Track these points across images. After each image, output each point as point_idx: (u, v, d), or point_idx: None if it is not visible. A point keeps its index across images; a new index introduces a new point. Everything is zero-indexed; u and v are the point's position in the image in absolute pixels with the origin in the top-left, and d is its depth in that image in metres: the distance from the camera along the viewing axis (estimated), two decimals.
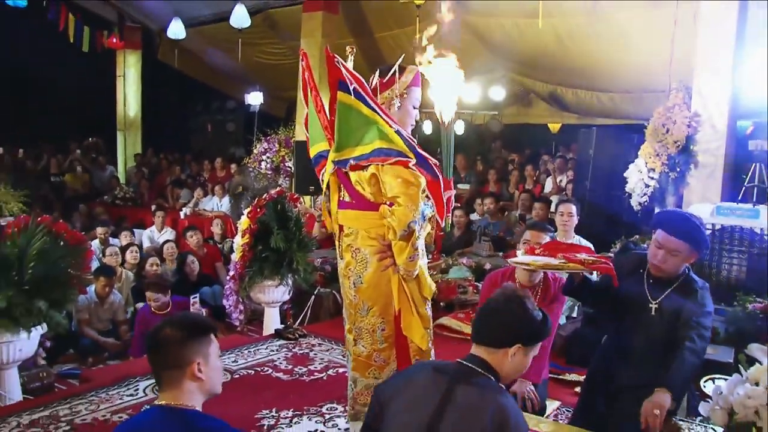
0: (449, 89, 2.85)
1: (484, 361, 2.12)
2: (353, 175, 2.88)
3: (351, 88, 2.76)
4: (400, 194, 2.72)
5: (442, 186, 2.83)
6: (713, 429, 2.46)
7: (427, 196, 2.80)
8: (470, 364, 2.12)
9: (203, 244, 7.85)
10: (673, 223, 2.91)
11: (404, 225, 2.71)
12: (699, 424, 2.54)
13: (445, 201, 2.91)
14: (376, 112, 2.78)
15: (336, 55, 2.82)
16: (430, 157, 2.82)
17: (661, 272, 2.93)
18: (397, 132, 2.77)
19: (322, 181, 3.08)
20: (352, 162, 2.84)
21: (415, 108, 3.04)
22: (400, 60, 2.95)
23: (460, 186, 9.22)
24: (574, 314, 5.19)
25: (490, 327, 2.16)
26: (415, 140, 2.81)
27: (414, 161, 2.75)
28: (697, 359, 2.77)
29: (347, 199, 2.96)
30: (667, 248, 2.87)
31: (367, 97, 2.79)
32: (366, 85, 2.84)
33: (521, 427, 2.00)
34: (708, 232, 5.10)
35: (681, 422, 2.54)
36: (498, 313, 2.16)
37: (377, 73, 2.97)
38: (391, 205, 2.77)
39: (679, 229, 2.86)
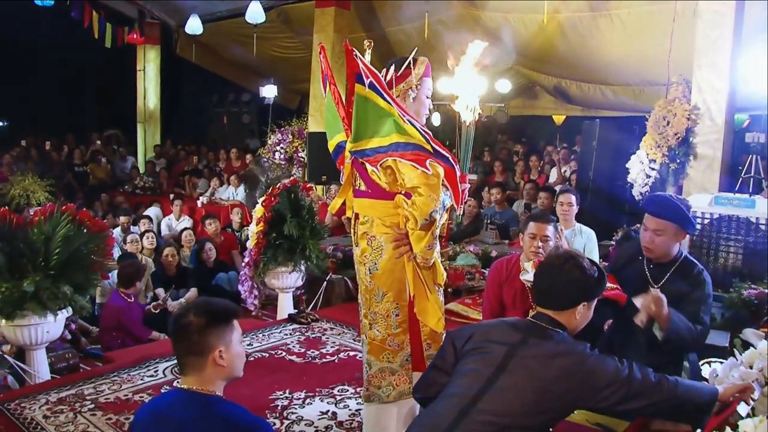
0: (473, 93, 2.96)
1: (553, 319, 2.24)
2: (368, 165, 2.89)
3: (367, 82, 2.76)
4: (420, 185, 2.71)
5: (458, 175, 2.83)
6: None
7: (445, 186, 2.80)
8: (540, 322, 2.25)
9: (220, 232, 7.96)
10: (654, 205, 3.02)
11: (426, 214, 2.71)
12: None
13: (461, 192, 2.92)
14: (391, 105, 2.77)
15: (354, 49, 2.81)
16: (445, 148, 2.82)
17: (652, 253, 3.01)
18: (412, 124, 2.77)
19: (344, 171, 3.10)
20: (369, 154, 2.84)
21: (428, 98, 3.05)
22: (414, 53, 2.98)
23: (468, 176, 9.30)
24: None
25: (554, 293, 2.26)
26: (429, 132, 2.81)
27: (431, 153, 2.74)
28: (695, 335, 2.84)
29: (363, 188, 2.98)
30: (652, 228, 2.97)
31: (382, 91, 2.78)
32: (381, 79, 2.83)
33: (595, 372, 2.08)
34: (706, 221, 5.25)
35: None
36: (559, 279, 2.25)
37: (392, 66, 2.97)
38: (407, 195, 2.77)
39: (660, 208, 2.97)
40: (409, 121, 2.77)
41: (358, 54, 2.80)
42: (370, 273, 2.96)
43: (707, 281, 2.97)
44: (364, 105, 2.80)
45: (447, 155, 2.80)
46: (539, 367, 2.10)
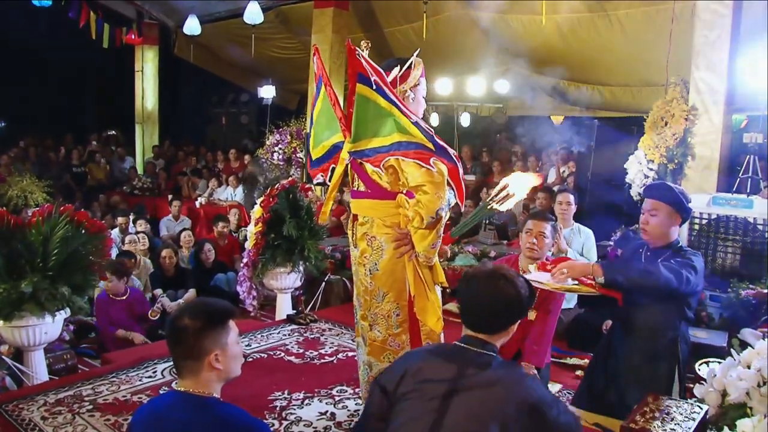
0: (522, 190, 3.11)
1: (485, 342, 2.08)
2: (368, 165, 2.89)
3: (372, 80, 2.75)
4: (425, 183, 2.71)
5: (461, 173, 2.85)
6: (699, 406, 2.60)
7: (449, 184, 2.81)
8: (473, 347, 2.08)
9: (227, 234, 7.98)
10: (652, 188, 3.16)
11: (432, 212, 2.72)
12: (686, 401, 2.68)
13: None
14: (394, 104, 2.77)
15: (357, 48, 2.81)
16: (447, 146, 2.82)
17: (647, 234, 3.07)
18: (415, 123, 2.76)
19: (333, 172, 3.09)
20: (369, 154, 2.85)
21: (424, 97, 3.08)
22: (416, 54, 3.00)
23: (466, 177, 9.33)
24: (571, 305, 5.02)
25: (489, 317, 2.10)
26: (432, 130, 2.82)
27: (434, 151, 2.75)
28: (663, 273, 2.78)
29: (362, 188, 2.98)
30: (647, 209, 3.05)
31: (386, 89, 2.78)
32: (385, 76, 2.84)
33: (536, 392, 1.98)
34: (704, 221, 5.26)
35: (669, 400, 2.68)
36: (493, 301, 2.08)
37: (397, 68, 2.98)
38: (409, 194, 2.78)
39: (656, 190, 3.08)
40: (415, 121, 2.77)
41: (361, 53, 2.80)
42: (370, 274, 2.96)
43: (692, 257, 2.94)
44: (364, 105, 2.80)
45: (450, 153, 2.79)
46: (482, 400, 1.96)
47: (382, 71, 2.82)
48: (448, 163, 2.78)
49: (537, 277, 3.07)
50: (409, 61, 2.99)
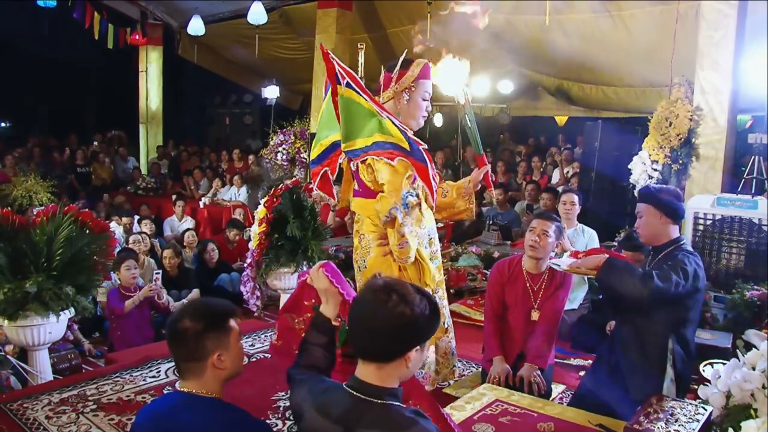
0: (455, 77, 3.08)
1: (377, 386, 1.76)
2: (359, 164, 2.95)
3: (344, 82, 2.81)
4: (386, 182, 2.79)
5: (430, 170, 2.87)
6: (703, 407, 2.60)
7: (414, 183, 2.83)
8: (363, 395, 1.76)
9: (239, 239, 7.97)
10: (641, 192, 3.24)
11: (385, 211, 2.78)
12: (690, 402, 2.67)
13: (481, 177, 3.14)
14: (371, 104, 2.82)
15: (329, 51, 2.87)
16: (419, 142, 2.86)
17: (642, 238, 3.16)
18: (390, 120, 2.81)
19: (323, 176, 3.17)
20: (358, 153, 2.90)
21: (425, 100, 3.08)
22: (404, 54, 3.02)
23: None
24: (575, 306, 4.97)
25: (379, 343, 1.77)
26: (407, 128, 2.86)
27: (409, 151, 2.79)
28: (645, 281, 2.78)
29: (356, 187, 3.06)
30: (637, 213, 3.12)
31: (360, 91, 2.83)
32: (358, 79, 2.88)
33: None
34: (709, 222, 5.25)
35: (673, 400, 2.67)
36: (384, 323, 1.74)
37: (383, 69, 3.05)
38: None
39: (641, 194, 3.18)
40: (387, 117, 2.82)
41: (334, 56, 2.88)
42: (359, 270, 3.04)
43: (684, 258, 2.93)
44: (348, 106, 2.86)
45: (422, 151, 2.85)
46: None
47: (354, 74, 2.88)
48: (417, 163, 2.82)
49: (559, 261, 3.18)
50: (399, 61, 3.02)
